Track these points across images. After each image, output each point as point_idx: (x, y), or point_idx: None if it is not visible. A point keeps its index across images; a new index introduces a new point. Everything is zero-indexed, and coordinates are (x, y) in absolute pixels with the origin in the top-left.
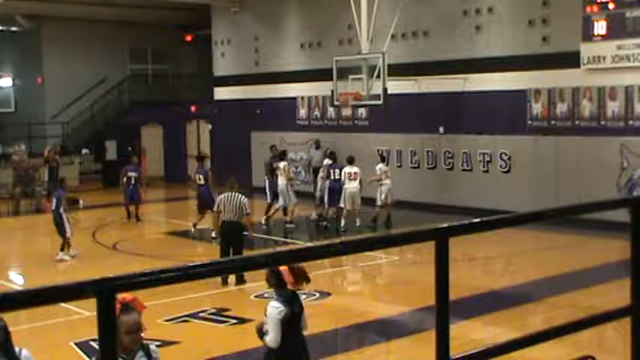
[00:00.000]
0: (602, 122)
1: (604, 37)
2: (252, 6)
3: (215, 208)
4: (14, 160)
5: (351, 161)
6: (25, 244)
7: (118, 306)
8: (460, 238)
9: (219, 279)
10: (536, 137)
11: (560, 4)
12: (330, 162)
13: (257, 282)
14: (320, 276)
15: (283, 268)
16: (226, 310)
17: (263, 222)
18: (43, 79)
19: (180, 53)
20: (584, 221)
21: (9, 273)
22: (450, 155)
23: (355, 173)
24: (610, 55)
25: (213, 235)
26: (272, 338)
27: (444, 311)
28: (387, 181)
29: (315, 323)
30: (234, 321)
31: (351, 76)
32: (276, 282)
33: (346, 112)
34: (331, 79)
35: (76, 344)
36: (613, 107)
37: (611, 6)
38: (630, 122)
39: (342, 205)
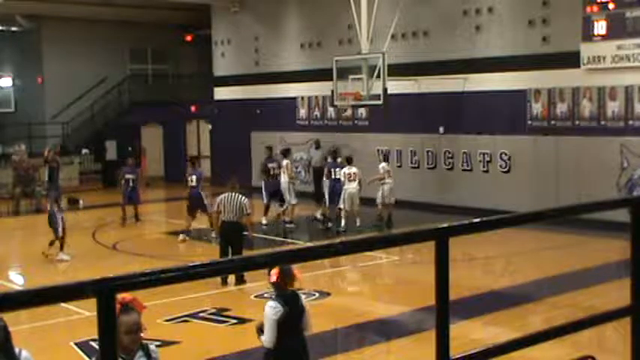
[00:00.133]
0: (602, 122)
1: (604, 37)
2: (252, 6)
3: (215, 208)
4: (14, 160)
5: (349, 162)
6: (25, 244)
7: (118, 306)
8: (460, 238)
9: (218, 279)
10: (536, 137)
11: (560, 4)
12: (330, 161)
13: (257, 282)
14: (320, 276)
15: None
16: (226, 310)
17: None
18: (43, 79)
19: (180, 53)
20: (584, 221)
21: (9, 273)
22: (450, 155)
23: (354, 174)
24: (610, 55)
25: (214, 235)
26: (267, 338)
27: (444, 311)
28: (389, 181)
29: (315, 323)
30: (234, 321)
31: (351, 76)
32: (276, 282)
33: (346, 112)
34: (331, 79)
35: (76, 344)
36: (613, 107)
37: (611, 6)
38: (630, 122)
39: (341, 205)
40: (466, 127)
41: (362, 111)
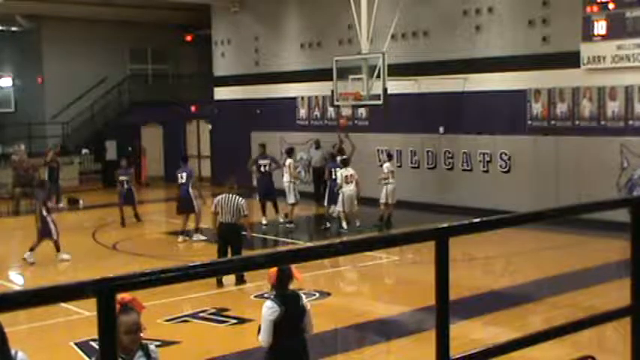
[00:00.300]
0: (602, 122)
1: (604, 37)
2: (252, 6)
3: (213, 210)
4: (14, 160)
5: (345, 163)
6: (25, 244)
7: (117, 306)
8: (460, 238)
9: (214, 280)
10: (536, 137)
11: (560, 4)
12: (330, 161)
13: (257, 282)
14: (320, 276)
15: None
16: (226, 310)
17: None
18: (43, 79)
19: (180, 53)
20: (584, 221)
21: (9, 273)
22: (450, 155)
23: (351, 175)
24: (610, 55)
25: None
26: (262, 337)
27: (444, 311)
28: (393, 181)
29: (315, 323)
30: (234, 321)
31: (351, 76)
32: (274, 283)
33: (346, 112)
34: (331, 79)
35: (76, 344)
36: (613, 107)
37: (611, 6)
38: (630, 122)
39: (339, 207)
40: (466, 127)
41: (362, 111)
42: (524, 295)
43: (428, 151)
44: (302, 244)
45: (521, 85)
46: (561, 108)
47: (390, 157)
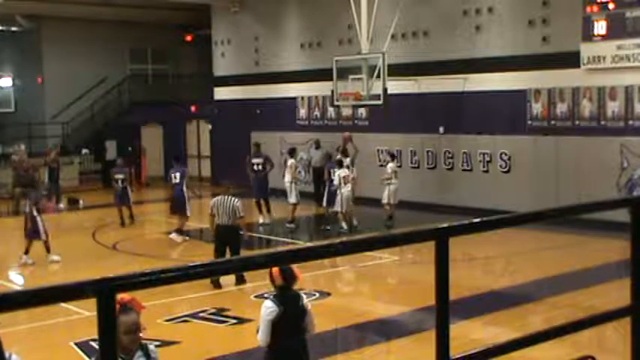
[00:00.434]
0: (602, 122)
1: (604, 37)
2: (252, 6)
3: (209, 212)
4: (14, 160)
5: (340, 164)
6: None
7: (117, 306)
8: (460, 238)
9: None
10: (536, 137)
11: (560, 4)
12: (330, 161)
13: (257, 282)
14: (320, 276)
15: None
16: (226, 310)
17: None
18: (43, 79)
19: (180, 53)
20: (584, 221)
21: (9, 273)
22: (450, 155)
23: (347, 176)
24: (610, 55)
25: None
26: (260, 337)
27: (444, 311)
28: (395, 181)
29: (316, 323)
30: (234, 321)
31: (351, 76)
32: (282, 283)
33: (346, 112)
34: (331, 79)
35: (76, 344)
36: (613, 107)
37: (611, 6)
38: (630, 122)
39: (337, 208)
40: (466, 127)
41: (362, 111)
42: (524, 295)
43: (428, 151)
44: (302, 244)
45: (521, 85)
46: (561, 108)
47: (393, 157)
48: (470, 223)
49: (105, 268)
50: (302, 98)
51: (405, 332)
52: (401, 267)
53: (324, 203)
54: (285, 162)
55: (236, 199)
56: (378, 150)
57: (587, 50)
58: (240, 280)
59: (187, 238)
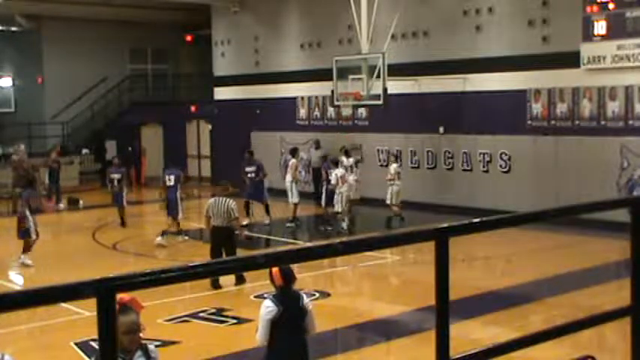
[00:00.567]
0: (602, 122)
1: (604, 37)
2: (252, 6)
3: (205, 213)
4: (14, 160)
5: (336, 164)
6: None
7: (116, 306)
8: (460, 238)
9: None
10: (536, 137)
11: (560, 4)
12: (325, 162)
13: (257, 282)
14: (320, 276)
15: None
16: (226, 310)
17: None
18: (43, 79)
19: (180, 53)
20: (584, 221)
21: (9, 273)
22: (450, 155)
23: (343, 176)
24: (610, 55)
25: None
26: (258, 336)
27: (444, 311)
28: (398, 182)
29: (316, 323)
30: (234, 321)
31: (351, 76)
32: (282, 283)
33: (346, 112)
34: (331, 79)
35: (76, 344)
36: (613, 107)
37: (611, 6)
38: (630, 122)
39: (337, 208)
40: (466, 127)
41: (362, 111)
42: (524, 295)
43: (428, 151)
44: (302, 244)
45: (521, 85)
46: (561, 108)
47: (396, 158)
48: (470, 223)
49: (105, 268)
50: (302, 98)
51: (405, 332)
52: (401, 267)
53: (323, 203)
54: (286, 162)
55: (231, 201)
56: (378, 150)
57: (587, 50)
58: (240, 280)
59: (186, 238)
